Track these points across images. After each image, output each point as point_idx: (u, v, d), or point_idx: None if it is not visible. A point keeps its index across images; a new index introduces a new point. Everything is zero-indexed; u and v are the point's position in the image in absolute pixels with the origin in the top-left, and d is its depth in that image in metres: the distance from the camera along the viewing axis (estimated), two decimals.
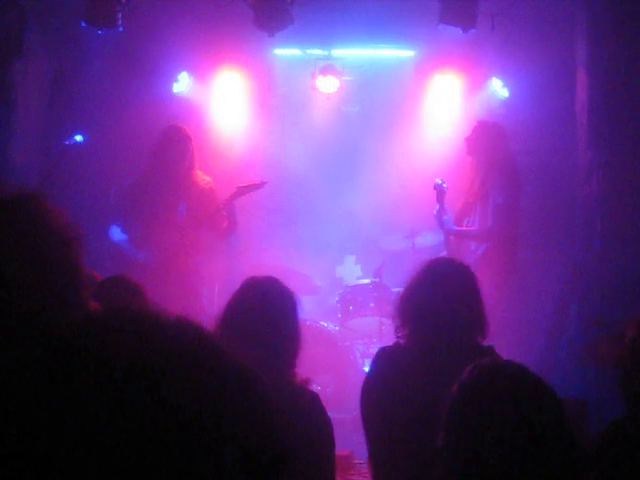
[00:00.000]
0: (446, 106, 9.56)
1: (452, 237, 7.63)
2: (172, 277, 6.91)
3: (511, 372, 2.15)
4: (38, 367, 0.91)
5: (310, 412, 3.54)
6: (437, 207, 7.58)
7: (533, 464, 1.92)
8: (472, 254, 7.41)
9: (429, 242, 8.57)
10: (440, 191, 7.62)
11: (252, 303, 3.63)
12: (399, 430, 3.53)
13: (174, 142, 7.30)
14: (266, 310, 3.59)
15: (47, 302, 1.50)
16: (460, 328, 3.63)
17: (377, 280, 8.66)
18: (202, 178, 7.40)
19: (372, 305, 8.51)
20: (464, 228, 7.56)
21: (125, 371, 0.88)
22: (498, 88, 9.23)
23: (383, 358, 3.87)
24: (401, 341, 3.79)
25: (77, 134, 7.65)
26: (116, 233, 7.26)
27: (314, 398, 3.61)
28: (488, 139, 7.52)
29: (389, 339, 8.55)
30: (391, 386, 3.65)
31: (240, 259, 8.43)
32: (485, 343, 3.76)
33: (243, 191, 7.24)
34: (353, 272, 9.26)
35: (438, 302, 3.65)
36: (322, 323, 8.53)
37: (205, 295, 7.64)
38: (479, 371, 2.13)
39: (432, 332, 3.63)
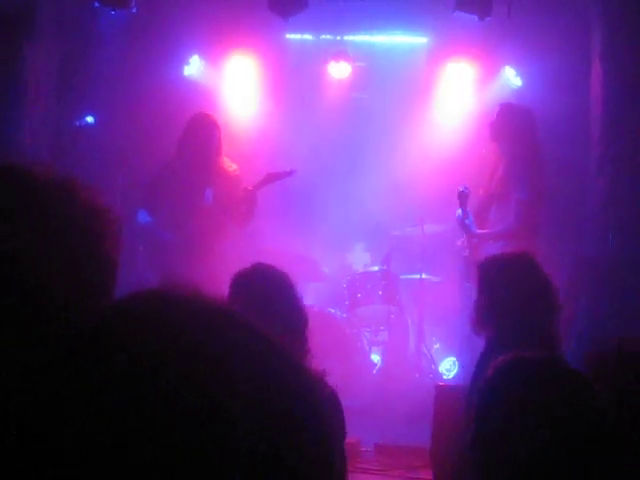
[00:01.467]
0: (458, 94, 9.51)
1: (475, 240, 7.46)
2: (195, 259, 6.99)
3: (536, 361, 2.15)
4: (63, 363, 0.87)
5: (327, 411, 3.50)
6: (459, 211, 7.36)
7: (566, 455, 1.90)
8: (489, 249, 7.32)
9: (438, 229, 8.54)
10: (464, 197, 7.39)
11: (236, 295, 3.61)
12: None
13: (201, 129, 7.34)
14: (251, 300, 3.53)
15: (77, 293, 1.44)
16: (538, 323, 3.86)
17: (385, 268, 8.64)
18: (229, 165, 7.44)
19: (380, 293, 8.49)
20: (487, 231, 7.34)
21: (158, 367, 0.84)
22: (511, 77, 9.16)
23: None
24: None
25: (88, 115, 7.64)
26: (142, 216, 7.29)
27: (332, 395, 3.56)
28: (514, 125, 7.19)
29: (397, 327, 8.59)
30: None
31: (248, 244, 8.41)
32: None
33: (272, 178, 7.26)
34: (362, 259, 9.24)
35: (524, 301, 3.90)
36: (330, 310, 8.52)
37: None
38: (503, 364, 2.12)
39: (516, 326, 3.84)
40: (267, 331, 0.94)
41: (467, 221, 7.38)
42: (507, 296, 3.90)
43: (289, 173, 7.32)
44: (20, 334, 1.32)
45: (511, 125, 7.21)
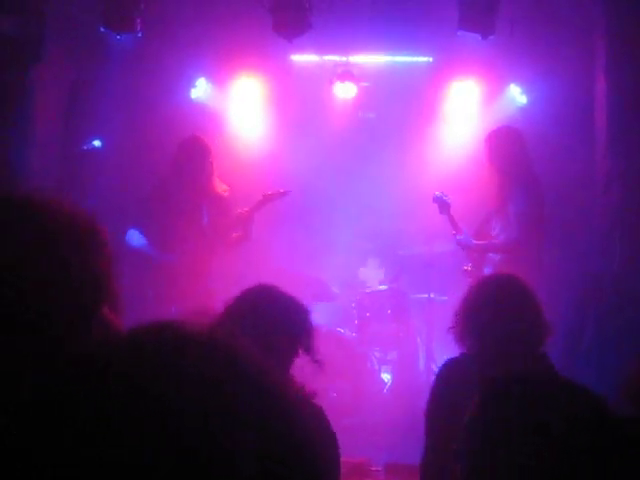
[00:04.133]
0: (463, 112, 9.53)
1: (476, 254, 7.51)
2: (191, 279, 7.14)
3: (525, 377, 2.15)
4: (70, 390, 0.88)
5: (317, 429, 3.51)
6: (453, 232, 7.53)
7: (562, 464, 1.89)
8: (490, 261, 7.36)
9: (446, 248, 8.53)
10: (442, 203, 7.55)
11: (242, 312, 3.65)
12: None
13: (193, 153, 7.43)
14: (257, 318, 3.58)
15: (69, 307, 1.45)
16: (518, 340, 3.77)
17: (394, 286, 8.64)
18: (220, 186, 7.53)
19: (389, 312, 8.50)
20: (486, 242, 7.43)
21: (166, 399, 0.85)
22: (516, 95, 9.19)
23: (448, 368, 4.03)
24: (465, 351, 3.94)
25: (95, 139, 7.68)
26: (135, 237, 7.34)
27: (318, 412, 3.58)
28: (503, 146, 7.40)
29: (406, 346, 8.58)
30: (454, 395, 3.73)
31: (256, 264, 8.41)
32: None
33: (269, 199, 7.43)
34: (376, 275, 9.21)
35: (500, 319, 3.81)
36: (339, 329, 8.51)
37: (219, 299, 7.70)
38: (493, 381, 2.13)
39: (493, 344, 3.78)
40: (259, 360, 0.96)
41: (459, 237, 7.44)
42: (488, 316, 3.89)
43: (284, 193, 7.49)
44: (16, 344, 1.34)
45: (499, 146, 7.40)
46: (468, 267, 7.49)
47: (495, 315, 3.81)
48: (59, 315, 1.41)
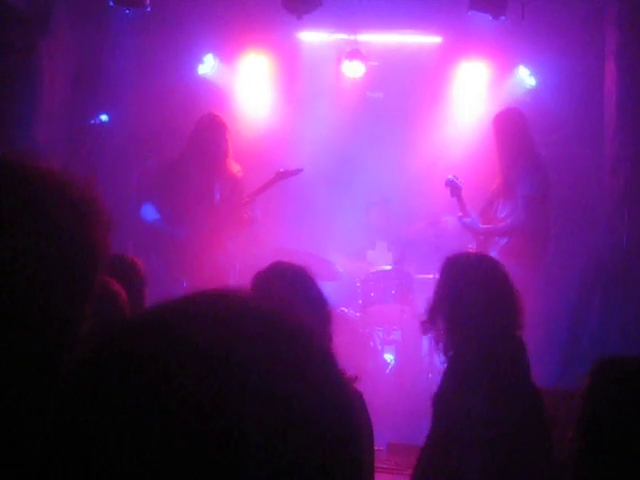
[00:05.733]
0: (472, 93, 9.49)
1: (482, 236, 7.52)
2: (206, 254, 7.25)
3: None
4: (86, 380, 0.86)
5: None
6: (459, 214, 7.52)
7: None
8: (496, 244, 7.36)
9: (452, 228, 8.52)
10: (454, 187, 7.55)
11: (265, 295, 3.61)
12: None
13: (211, 130, 7.50)
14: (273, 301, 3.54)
15: (65, 283, 1.43)
16: (495, 323, 3.70)
17: (399, 266, 8.63)
18: (234, 166, 7.58)
19: (393, 292, 8.48)
20: (492, 226, 7.44)
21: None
22: (525, 76, 9.14)
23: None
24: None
25: (102, 113, 7.67)
26: (149, 212, 7.40)
27: (359, 398, 3.55)
28: (511, 128, 7.43)
29: (410, 326, 8.60)
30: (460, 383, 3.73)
31: (262, 243, 8.42)
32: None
33: (281, 176, 7.50)
34: (384, 258, 9.18)
35: (476, 301, 3.74)
36: (343, 309, 8.51)
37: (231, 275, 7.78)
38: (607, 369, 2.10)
39: (470, 330, 3.72)
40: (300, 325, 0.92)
41: (466, 220, 7.45)
42: (470, 298, 3.79)
43: (296, 171, 7.57)
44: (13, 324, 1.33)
45: (504, 129, 7.46)
46: (472, 248, 7.50)
47: (486, 308, 3.72)
48: (52, 288, 1.40)
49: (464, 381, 3.64)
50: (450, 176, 7.59)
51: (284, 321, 0.91)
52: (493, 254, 7.12)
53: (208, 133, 7.48)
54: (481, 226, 7.45)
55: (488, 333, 3.65)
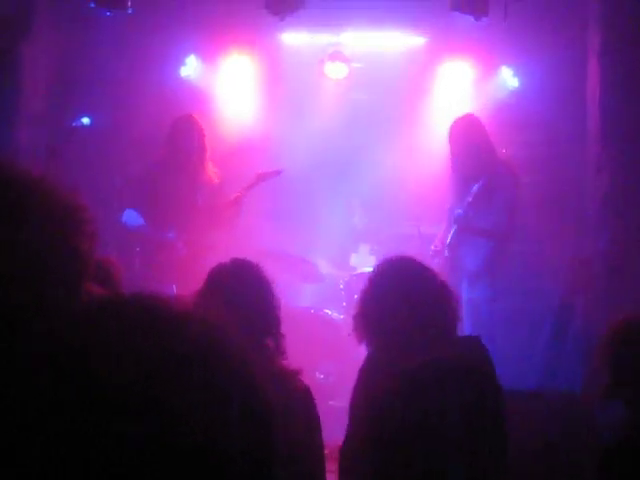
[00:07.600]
0: (456, 94, 9.48)
1: (468, 233, 7.52)
2: (190, 258, 7.20)
3: None
4: (43, 365, 0.86)
5: (302, 408, 3.49)
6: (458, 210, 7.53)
7: None
8: (482, 247, 7.38)
9: (434, 230, 8.51)
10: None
11: (210, 291, 3.63)
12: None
13: (186, 133, 7.46)
14: (223, 297, 3.56)
15: (48, 290, 1.42)
16: (438, 327, 3.50)
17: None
18: (212, 169, 7.56)
19: None
20: (481, 227, 7.45)
21: (135, 372, 0.84)
22: (508, 77, 9.15)
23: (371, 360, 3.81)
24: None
25: (84, 116, 7.63)
26: (132, 217, 7.34)
27: (306, 392, 3.55)
28: (479, 132, 7.51)
29: None
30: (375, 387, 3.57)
31: (245, 245, 8.40)
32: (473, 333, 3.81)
33: (262, 178, 7.46)
34: (367, 262, 9.16)
35: (406, 308, 3.52)
36: (326, 311, 8.49)
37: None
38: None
39: (401, 334, 3.51)
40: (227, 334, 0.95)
41: (458, 211, 7.44)
42: (396, 303, 3.53)
43: (277, 172, 7.53)
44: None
45: (465, 136, 7.52)
46: (437, 247, 7.56)
47: (401, 304, 3.52)
48: (34, 293, 1.38)
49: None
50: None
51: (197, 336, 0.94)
52: (462, 250, 7.21)
53: (183, 135, 7.46)
54: (475, 225, 7.46)
55: (419, 342, 3.43)
